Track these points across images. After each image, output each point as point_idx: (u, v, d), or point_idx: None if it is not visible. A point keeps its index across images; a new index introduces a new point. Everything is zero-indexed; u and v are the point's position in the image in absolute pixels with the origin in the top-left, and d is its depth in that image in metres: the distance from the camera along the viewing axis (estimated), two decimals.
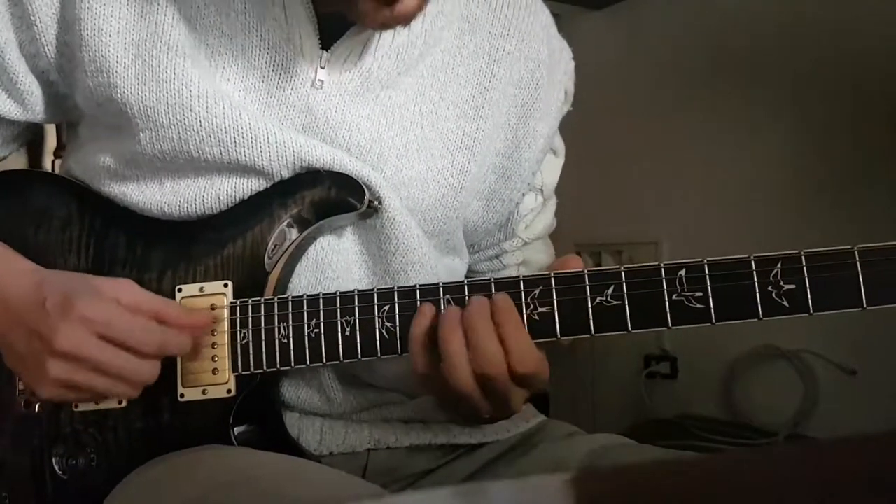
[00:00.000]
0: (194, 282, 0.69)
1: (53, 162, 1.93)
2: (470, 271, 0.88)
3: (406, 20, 0.65)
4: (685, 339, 1.85)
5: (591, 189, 1.92)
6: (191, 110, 0.68)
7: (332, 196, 0.69)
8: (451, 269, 0.80)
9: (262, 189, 0.70)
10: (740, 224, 1.69)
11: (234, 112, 0.68)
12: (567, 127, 0.89)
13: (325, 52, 0.70)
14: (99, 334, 0.61)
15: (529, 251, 0.88)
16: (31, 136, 0.83)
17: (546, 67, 0.79)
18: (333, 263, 0.71)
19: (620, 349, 1.96)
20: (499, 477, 0.75)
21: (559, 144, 0.87)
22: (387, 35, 0.70)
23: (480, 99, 0.75)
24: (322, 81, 0.70)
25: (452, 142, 0.75)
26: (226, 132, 0.68)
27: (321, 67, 0.69)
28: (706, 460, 0.37)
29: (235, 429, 0.68)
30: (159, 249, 0.71)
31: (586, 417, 1.98)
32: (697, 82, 1.83)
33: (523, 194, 0.82)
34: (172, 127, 0.68)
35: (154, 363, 0.64)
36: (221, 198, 0.70)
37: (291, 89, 0.70)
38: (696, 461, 0.39)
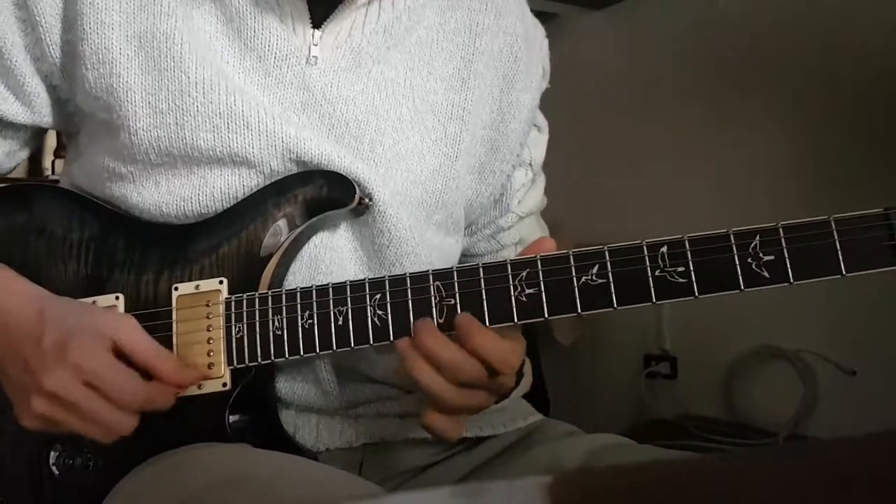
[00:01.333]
0: (191, 280, 0.70)
1: (53, 162, 1.93)
2: (468, 255, 0.90)
3: None
4: (685, 339, 1.85)
5: (591, 189, 1.93)
6: (189, 95, 0.70)
7: (323, 194, 0.71)
8: (447, 253, 0.82)
9: (254, 186, 0.71)
10: (740, 224, 1.68)
11: (230, 98, 0.70)
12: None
13: (316, 30, 0.72)
14: (86, 382, 0.62)
15: (525, 229, 0.90)
16: (37, 145, 0.84)
17: (523, 41, 0.83)
18: (327, 260, 0.72)
19: (620, 349, 1.96)
20: (496, 475, 0.75)
21: (542, 121, 0.90)
22: (372, 12, 0.73)
23: (466, 71, 0.79)
24: (316, 58, 0.72)
25: (443, 113, 0.77)
26: (220, 117, 0.70)
27: (314, 45, 0.72)
28: (706, 460, 0.37)
29: (231, 423, 0.68)
30: (156, 251, 0.72)
31: (586, 417, 1.99)
32: (697, 82, 1.83)
33: (513, 167, 0.85)
34: (170, 112, 0.70)
35: (133, 417, 0.64)
36: (216, 195, 0.71)
37: (287, 67, 0.72)
38: (696, 461, 0.39)
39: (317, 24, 0.73)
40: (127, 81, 0.70)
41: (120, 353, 0.64)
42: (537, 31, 0.87)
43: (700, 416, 1.78)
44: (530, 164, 0.88)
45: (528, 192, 0.89)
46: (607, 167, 1.96)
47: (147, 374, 0.65)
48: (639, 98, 1.96)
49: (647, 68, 1.96)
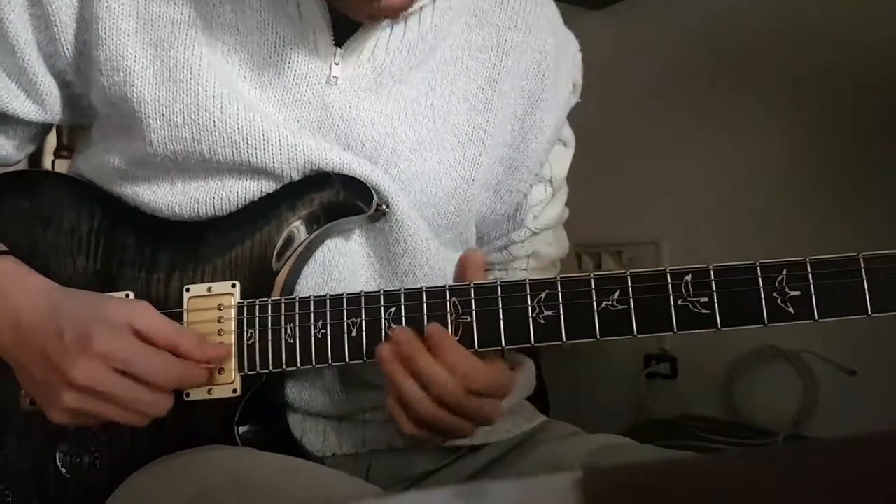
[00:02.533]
0: (202, 282, 0.69)
1: (53, 162, 1.93)
2: None
3: (393, 13, 0.66)
4: (685, 339, 1.85)
5: (591, 189, 1.92)
6: (205, 110, 0.68)
7: (340, 199, 0.69)
8: None
9: (271, 191, 0.70)
10: (740, 224, 1.69)
11: (248, 114, 0.68)
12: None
13: (338, 48, 0.70)
14: (117, 369, 0.61)
15: (539, 243, 0.88)
16: (44, 139, 0.83)
17: (552, 59, 0.79)
18: (340, 266, 0.72)
19: (621, 349, 1.96)
20: (500, 477, 0.75)
21: (569, 135, 0.87)
22: (397, 30, 0.71)
23: (490, 91, 0.76)
24: (336, 78, 0.70)
25: (463, 135, 0.75)
26: (238, 133, 0.68)
27: (335, 64, 0.70)
28: (706, 460, 0.37)
29: (240, 429, 0.68)
30: (168, 249, 0.71)
31: (587, 417, 1.98)
32: (697, 82, 1.83)
33: (531, 185, 0.83)
34: (186, 126, 0.68)
35: (169, 396, 0.64)
36: (232, 199, 0.71)
37: (307, 86, 0.70)
38: (696, 461, 0.39)
39: (339, 41, 0.70)
40: (140, 91, 0.69)
41: (141, 338, 0.63)
42: (570, 45, 0.84)
43: (700, 416, 1.78)
44: (550, 181, 0.85)
45: (547, 208, 0.87)
46: (607, 167, 1.95)
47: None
48: (638, 98, 1.96)
49: (646, 68, 1.95)
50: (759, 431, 1.65)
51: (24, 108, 0.74)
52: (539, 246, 0.88)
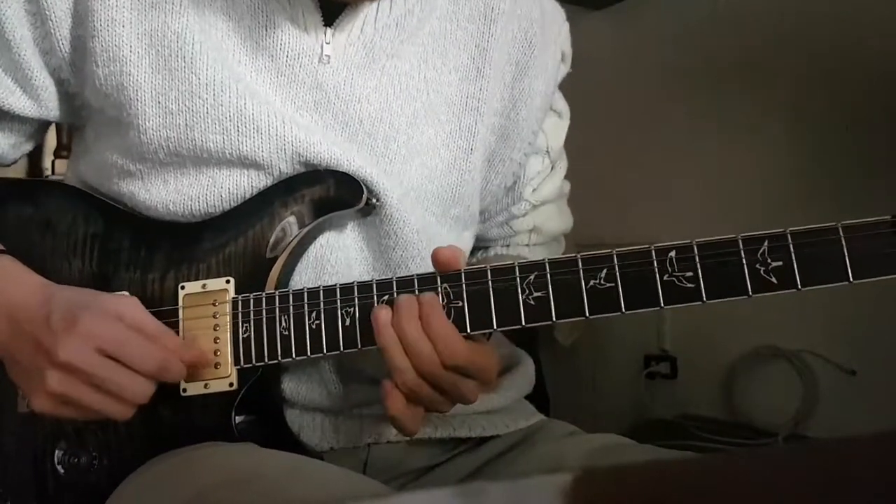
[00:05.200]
0: (197, 279, 0.70)
1: (53, 162, 1.93)
2: (480, 238, 0.89)
3: None
4: (685, 339, 1.85)
5: (592, 188, 1.92)
6: (199, 97, 0.69)
7: (331, 194, 0.70)
8: None
9: (263, 187, 0.71)
10: (740, 224, 1.68)
11: (240, 101, 0.69)
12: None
13: (328, 27, 0.71)
14: (100, 349, 0.62)
15: (540, 217, 0.89)
16: (41, 138, 0.83)
17: (539, 26, 0.80)
18: (333, 260, 0.72)
19: (621, 349, 1.96)
20: (499, 475, 0.75)
21: (563, 106, 0.88)
22: (384, 6, 0.72)
23: (480, 60, 0.77)
24: (329, 56, 0.71)
25: (458, 105, 0.76)
26: (230, 120, 0.69)
27: (326, 43, 0.71)
28: (706, 460, 0.37)
29: (237, 423, 0.68)
30: (163, 250, 0.71)
31: (586, 417, 1.98)
32: (697, 82, 1.83)
33: (526, 155, 0.84)
34: (180, 114, 0.69)
35: (150, 383, 0.64)
36: (224, 196, 0.71)
37: (300, 67, 0.71)
38: (696, 461, 0.39)
39: (329, 21, 0.72)
40: (137, 80, 0.70)
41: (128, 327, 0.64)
42: (556, 13, 0.84)
43: (700, 416, 1.78)
44: (547, 152, 0.86)
45: (545, 180, 0.88)
46: (607, 167, 1.95)
47: None
48: (638, 98, 1.96)
49: (646, 68, 1.96)
50: (759, 431, 1.66)
51: (20, 104, 0.75)
52: (540, 220, 0.89)
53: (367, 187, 0.71)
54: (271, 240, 0.70)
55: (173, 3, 0.70)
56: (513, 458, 0.77)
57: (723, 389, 1.77)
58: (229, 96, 0.69)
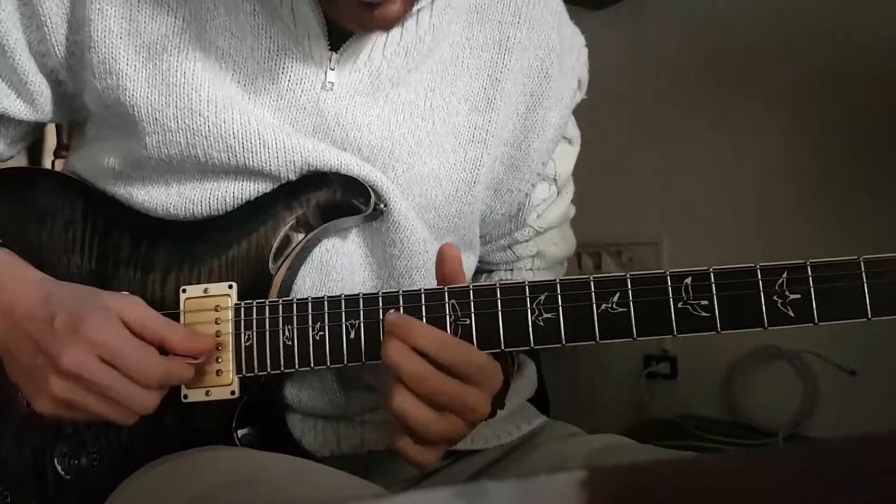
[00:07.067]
0: (198, 282, 0.69)
1: (53, 162, 1.92)
2: (483, 261, 0.87)
3: (387, 25, 0.64)
4: (685, 339, 1.85)
5: (591, 189, 1.92)
6: (199, 115, 0.67)
7: (337, 199, 0.69)
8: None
9: (268, 191, 0.70)
10: (740, 224, 1.69)
11: (243, 118, 0.67)
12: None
13: (334, 53, 0.69)
14: (104, 358, 0.61)
15: (543, 242, 0.87)
16: (36, 136, 0.83)
17: (556, 55, 0.77)
18: (338, 266, 0.71)
19: (620, 349, 1.96)
20: (500, 478, 0.75)
21: (574, 133, 0.85)
22: (394, 33, 0.70)
23: (492, 91, 0.74)
24: (332, 83, 0.69)
25: (464, 136, 0.74)
26: (234, 137, 0.67)
27: (331, 69, 0.69)
28: (706, 460, 0.37)
29: (238, 430, 0.68)
30: (164, 250, 0.70)
31: (587, 418, 1.98)
32: (697, 82, 1.83)
33: (533, 184, 0.81)
34: (180, 131, 0.68)
35: (155, 394, 0.63)
36: (227, 200, 0.70)
37: (301, 92, 0.69)
38: (696, 461, 0.39)
39: (335, 46, 0.69)
40: (133, 96, 0.68)
41: (130, 330, 0.63)
42: (574, 40, 0.81)
43: (700, 416, 1.78)
44: (554, 179, 0.83)
45: (551, 206, 0.85)
46: (607, 167, 1.95)
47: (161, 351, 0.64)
48: (639, 98, 1.96)
49: (647, 68, 1.95)
50: (759, 431, 1.65)
51: (14, 107, 0.74)
52: (544, 245, 0.87)
53: (375, 193, 0.69)
54: (275, 245, 0.68)
55: (174, 19, 0.69)
56: (514, 460, 0.77)
57: (723, 389, 1.77)
58: (232, 113, 0.67)
